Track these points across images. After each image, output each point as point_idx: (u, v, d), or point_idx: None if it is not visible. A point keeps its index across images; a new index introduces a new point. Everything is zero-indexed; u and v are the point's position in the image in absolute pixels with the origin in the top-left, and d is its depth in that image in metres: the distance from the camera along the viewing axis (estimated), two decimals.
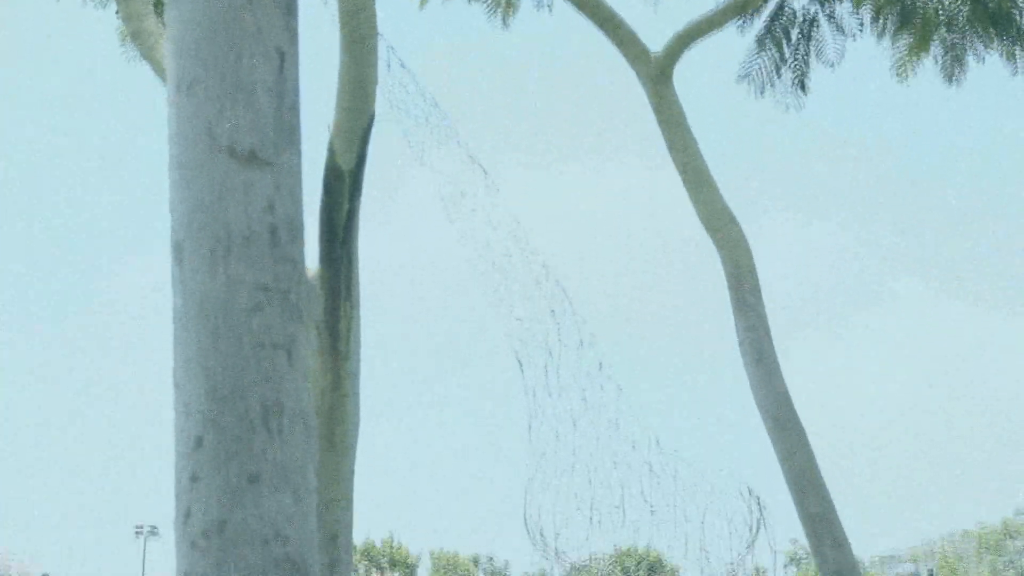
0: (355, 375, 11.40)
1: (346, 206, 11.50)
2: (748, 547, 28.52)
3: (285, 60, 4.73)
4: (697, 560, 28.37)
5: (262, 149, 4.60)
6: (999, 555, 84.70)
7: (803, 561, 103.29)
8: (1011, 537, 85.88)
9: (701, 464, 28.17)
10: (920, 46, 22.03)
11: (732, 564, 28.88)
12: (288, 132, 4.72)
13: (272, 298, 4.52)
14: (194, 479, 4.35)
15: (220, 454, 4.31)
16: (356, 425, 11.04)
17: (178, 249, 4.61)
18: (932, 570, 35.42)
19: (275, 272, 4.55)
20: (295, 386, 4.49)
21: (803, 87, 22.66)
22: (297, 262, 4.68)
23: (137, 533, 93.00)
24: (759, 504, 28.51)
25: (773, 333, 20.81)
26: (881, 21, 22.30)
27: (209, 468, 4.31)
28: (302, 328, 4.75)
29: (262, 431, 4.32)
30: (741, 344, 20.72)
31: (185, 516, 4.36)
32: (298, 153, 4.80)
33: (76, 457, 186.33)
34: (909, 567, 38.85)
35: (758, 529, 28.36)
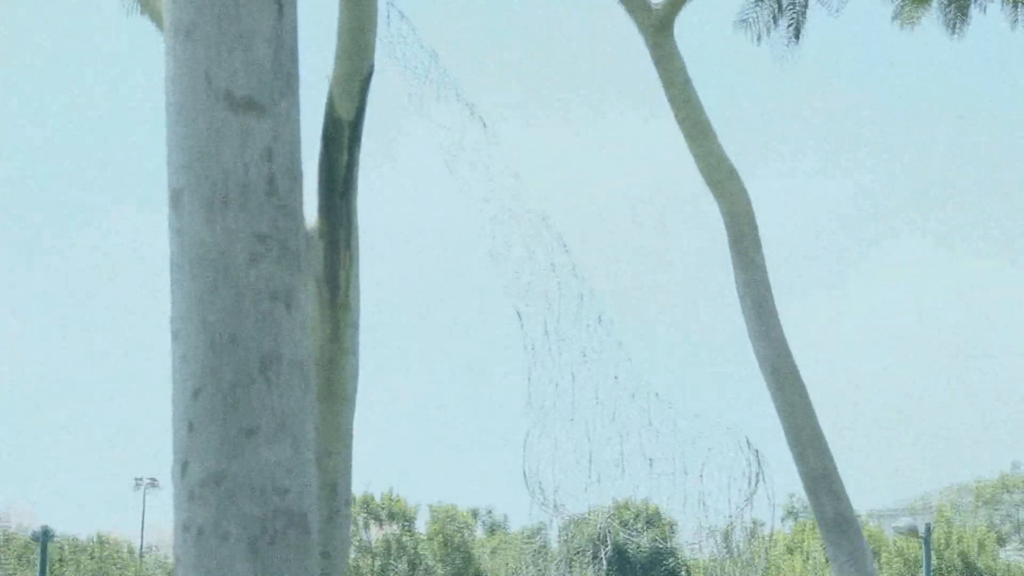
0: (354, 327, 11.35)
1: (345, 157, 11.43)
2: (747, 500, 28.59)
3: (284, 6, 4.67)
4: (696, 513, 28.46)
5: (260, 95, 4.53)
6: (996, 509, 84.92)
7: (800, 515, 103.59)
8: (1008, 491, 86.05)
9: (700, 418, 28.22)
10: None
11: (730, 517, 28.95)
12: (286, 79, 4.65)
13: (270, 247, 4.46)
14: (192, 430, 4.31)
15: (218, 405, 4.26)
16: (355, 377, 11.00)
17: (175, 197, 4.55)
18: (929, 524, 35.56)
19: (273, 221, 4.50)
20: (294, 336, 4.45)
21: (797, 35, 22.42)
22: (296, 211, 4.62)
23: (137, 485, 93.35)
24: (758, 458, 28.55)
25: (773, 286, 20.76)
26: None
27: (207, 419, 4.27)
28: (301, 278, 4.70)
29: (260, 381, 4.27)
30: (741, 298, 20.66)
31: (183, 467, 4.32)
32: (296, 101, 4.73)
33: (75, 409, 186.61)
34: (906, 521, 38.97)
35: (757, 482, 28.42)
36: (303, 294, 4.68)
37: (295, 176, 4.64)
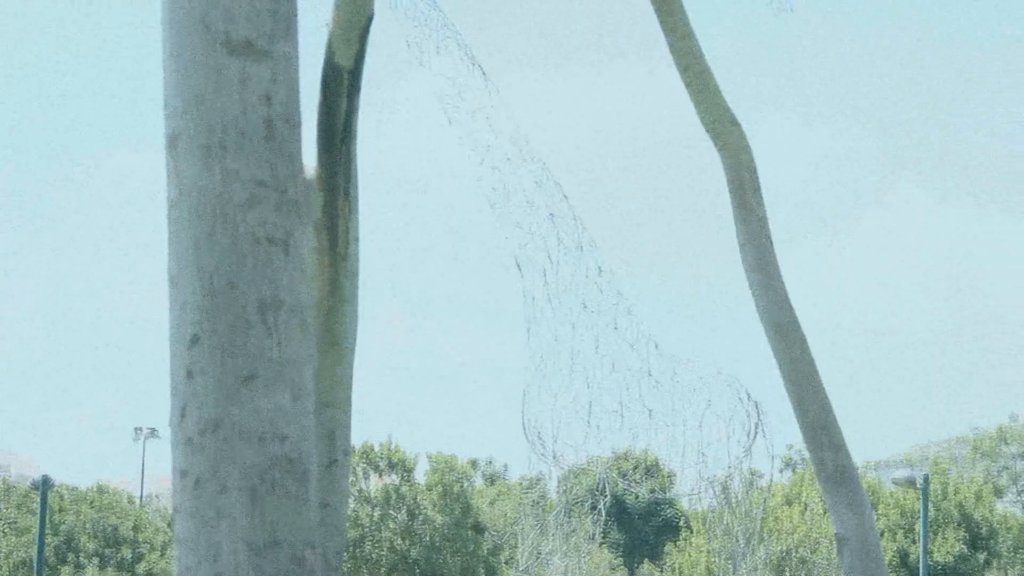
0: (354, 276, 11.30)
1: (344, 105, 11.35)
2: (746, 451, 28.65)
3: None
4: (695, 464, 28.52)
5: (258, 39, 4.48)
6: (993, 461, 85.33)
7: (798, 466, 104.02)
8: (1006, 443, 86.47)
9: (700, 369, 28.23)
10: None
11: (729, 468, 29.03)
12: (285, 22, 4.59)
13: (269, 192, 4.42)
14: (190, 376, 4.27)
15: (216, 351, 4.23)
16: (354, 326, 10.96)
17: (172, 141, 4.50)
18: (927, 476, 35.73)
19: (272, 166, 4.45)
20: (292, 282, 4.41)
21: None
22: (294, 156, 4.58)
23: (136, 435, 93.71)
24: (757, 409, 28.59)
25: (774, 237, 20.71)
26: None
27: (205, 365, 4.23)
28: (300, 224, 4.66)
29: (259, 327, 4.24)
30: (742, 248, 20.60)
31: (181, 414, 4.29)
32: (295, 45, 4.68)
33: (76, 360, 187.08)
34: (904, 472, 39.19)
35: (756, 434, 28.47)
36: (302, 240, 4.64)
37: (294, 121, 4.59)
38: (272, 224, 4.40)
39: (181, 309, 4.34)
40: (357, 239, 11.31)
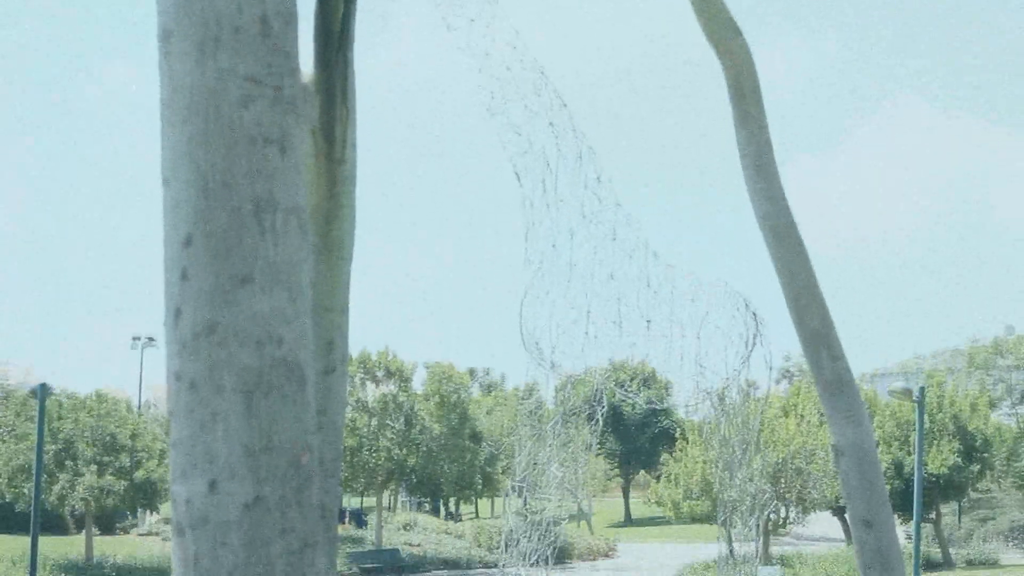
0: (351, 181, 11.18)
1: (342, 8, 11.16)
2: (744, 361, 28.68)
3: None
4: (693, 374, 28.56)
5: None
6: (989, 372, 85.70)
7: (795, 377, 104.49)
8: (1001, 355, 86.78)
9: (699, 278, 28.18)
10: None
11: (727, 378, 29.08)
12: None
13: (264, 90, 4.32)
14: (184, 277, 4.19)
15: (211, 252, 4.14)
16: (352, 233, 10.86)
17: (165, 38, 4.39)
18: (923, 387, 35.84)
19: (267, 63, 4.34)
20: (288, 182, 4.31)
21: None
22: (290, 53, 4.47)
23: (134, 344, 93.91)
24: (755, 319, 28.58)
25: (775, 147, 20.59)
26: None
27: (199, 266, 4.15)
28: (296, 123, 4.55)
29: (254, 228, 4.15)
30: (742, 157, 20.48)
31: (175, 316, 4.21)
32: None
33: (74, 268, 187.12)
34: (900, 383, 39.34)
35: (754, 344, 28.48)
36: (298, 140, 4.54)
37: (289, 17, 4.48)
38: (268, 123, 4.31)
39: (175, 209, 4.25)
40: (354, 145, 11.17)
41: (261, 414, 4.04)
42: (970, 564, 54.42)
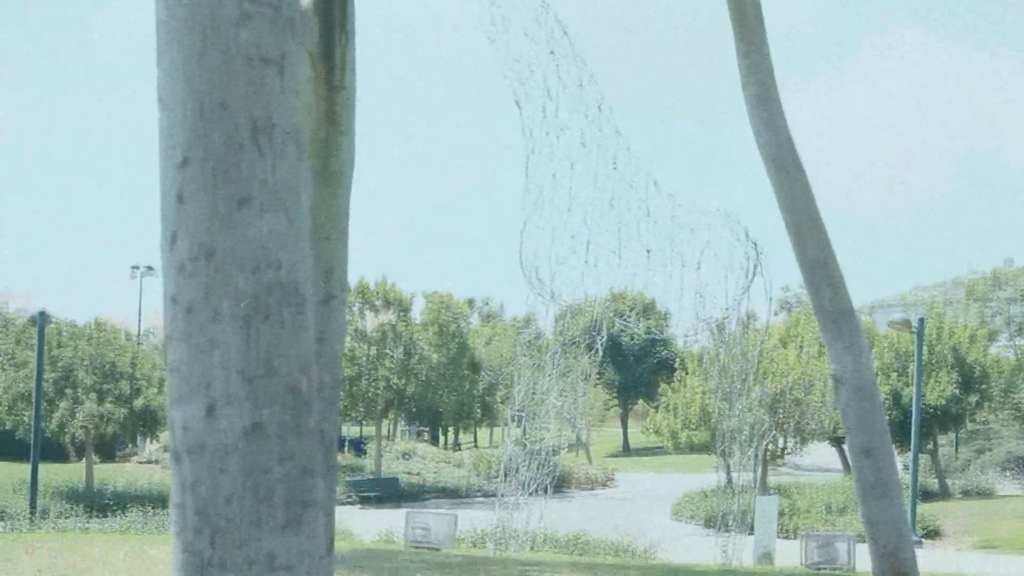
0: (350, 108, 11.04)
1: None
2: (744, 291, 28.63)
3: None
4: (692, 304, 28.53)
5: None
6: (987, 304, 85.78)
7: (794, 308, 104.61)
8: (1000, 287, 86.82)
9: (699, 208, 28.07)
10: None
11: (727, 308, 29.05)
12: None
13: (262, 9, 4.22)
14: (180, 201, 4.12)
15: (207, 174, 4.07)
16: (351, 160, 10.75)
17: None
18: (922, 318, 35.89)
19: None
20: (287, 103, 4.23)
21: None
22: None
23: (133, 273, 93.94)
24: (756, 249, 28.50)
25: (777, 76, 20.43)
26: None
27: (196, 189, 4.07)
28: (295, 44, 4.47)
29: (252, 150, 4.07)
30: (744, 86, 20.35)
31: (171, 240, 4.14)
32: None
33: (74, 197, 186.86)
34: (899, 314, 39.28)
35: (754, 274, 28.42)
36: (297, 61, 4.46)
37: None
38: (266, 43, 4.21)
39: (170, 131, 4.17)
40: (354, 71, 11.06)
41: (259, 339, 3.98)
42: (966, 494, 54.72)
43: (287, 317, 4.07)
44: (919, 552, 20.27)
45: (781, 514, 40.06)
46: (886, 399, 50.09)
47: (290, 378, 4.02)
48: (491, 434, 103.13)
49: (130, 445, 74.76)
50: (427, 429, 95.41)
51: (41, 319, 35.20)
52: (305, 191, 4.31)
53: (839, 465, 62.03)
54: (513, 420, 30.67)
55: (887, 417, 20.25)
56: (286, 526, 3.99)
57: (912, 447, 36.43)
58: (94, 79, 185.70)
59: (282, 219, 4.08)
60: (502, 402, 67.23)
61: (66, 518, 36.44)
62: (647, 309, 61.43)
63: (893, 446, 20.20)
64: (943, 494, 53.80)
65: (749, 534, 30.66)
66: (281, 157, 4.11)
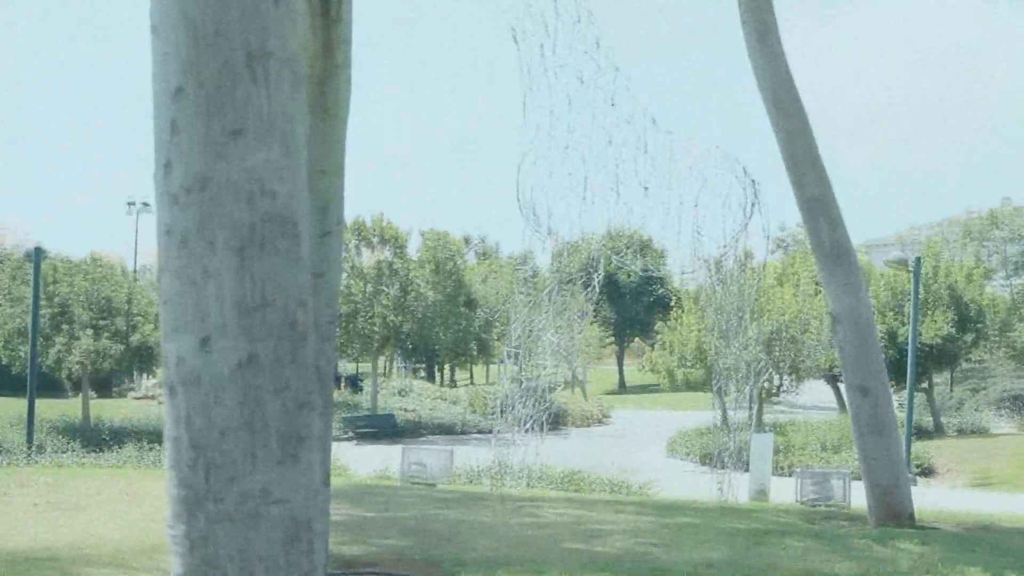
0: (347, 42, 10.95)
1: None
2: (741, 229, 28.53)
3: None
4: (689, 242, 28.44)
5: None
6: (984, 243, 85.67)
7: (790, 247, 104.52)
8: (997, 226, 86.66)
9: (698, 145, 27.92)
10: None
11: (724, 245, 28.96)
12: None
13: None
14: (174, 130, 4.05)
15: (202, 103, 4.00)
16: (348, 94, 10.66)
17: None
18: (919, 257, 35.89)
19: None
20: (282, 32, 4.15)
21: None
22: None
23: (129, 208, 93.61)
24: (754, 186, 28.37)
25: (777, 14, 20.30)
26: None
27: (190, 119, 4.01)
28: None
29: (247, 79, 3.99)
30: (744, 24, 20.24)
31: (165, 170, 4.08)
32: None
33: (70, 132, 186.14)
34: (896, 253, 39.33)
35: (752, 211, 28.31)
36: None
37: None
38: None
39: (164, 60, 4.09)
40: (351, 4, 10.95)
41: (254, 270, 3.93)
42: (961, 432, 54.85)
43: (283, 249, 4.01)
44: (913, 490, 20.34)
45: (776, 451, 40.18)
46: (882, 338, 50.10)
47: (286, 310, 3.97)
48: (487, 371, 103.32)
49: (127, 381, 74.86)
50: (423, 366, 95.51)
51: (37, 254, 35.09)
52: (301, 122, 4.24)
53: (834, 403, 62.15)
54: (509, 357, 30.65)
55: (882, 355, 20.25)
56: (282, 460, 3.95)
57: (907, 385, 36.47)
58: (87, 7, 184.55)
59: (277, 149, 4.01)
60: (498, 339, 67.27)
61: (63, 453, 36.48)
62: (644, 247, 61.39)
63: (889, 384, 20.24)
64: (938, 432, 53.94)
65: (744, 471, 30.73)
66: (277, 86, 4.04)
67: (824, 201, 19.51)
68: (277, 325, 3.96)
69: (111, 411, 52.69)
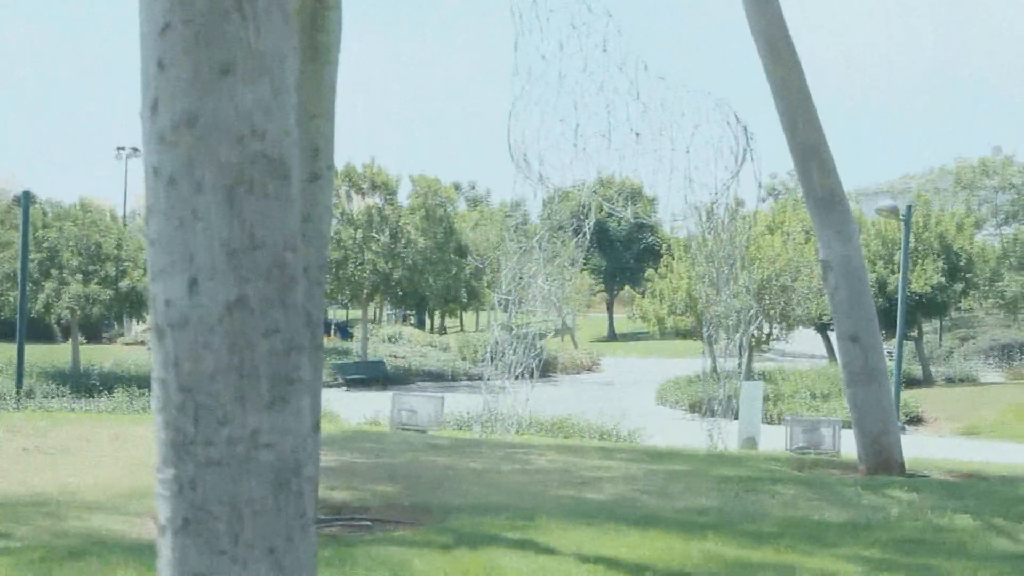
0: None
1: None
2: (733, 176, 28.43)
3: None
4: (681, 188, 28.34)
5: None
6: (975, 193, 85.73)
7: (781, 195, 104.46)
8: (987, 176, 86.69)
9: (690, 91, 27.77)
10: None
11: (715, 193, 28.88)
12: None
13: None
14: (161, 68, 3.96)
15: (189, 40, 3.90)
16: (339, 35, 10.55)
17: None
18: (910, 206, 35.81)
19: None
20: None
21: None
22: None
23: (118, 154, 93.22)
24: (746, 133, 28.26)
25: None
26: None
27: (177, 55, 3.92)
28: None
29: (235, 14, 3.90)
30: None
31: (152, 108, 3.99)
32: None
33: (58, 77, 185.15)
34: (887, 202, 39.27)
35: (744, 158, 28.21)
36: None
37: None
38: None
39: None
40: None
41: (243, 211, 3.85)
42: (949, 381, 55.06)
43: (272, 189, 3.93)
44: (901, 438, 20.37)
45: (766, 399, 40.30)
46: (872, 287, 50.19)
47: (276, 252, 3.90)
48: (477, 319, 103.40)
49: (116, 327, 74.79)
50: (413, 313, 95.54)
51: (26, 199, 34.89)
52: (292, 60, 4.15)
53: (824, 352, 62.32)
54: (499, 305, 30.63)
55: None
56: (271, 404, 3.89)
57: (897, 334, 36.51)
58: None
59: (267, 88, 3.93)
60: (488, 287, 67.26)
61: (52, 399, 36.47)
62: (635, 195, 61.29)
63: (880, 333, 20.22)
64: (927, 381, 54.12)
65: (734, 419, 30.80)
66: (266, 22, 3.95)
67: (816, 147, 19.41)
68: (266, 267, 3.89)
69: (101, 357, 52.67)
